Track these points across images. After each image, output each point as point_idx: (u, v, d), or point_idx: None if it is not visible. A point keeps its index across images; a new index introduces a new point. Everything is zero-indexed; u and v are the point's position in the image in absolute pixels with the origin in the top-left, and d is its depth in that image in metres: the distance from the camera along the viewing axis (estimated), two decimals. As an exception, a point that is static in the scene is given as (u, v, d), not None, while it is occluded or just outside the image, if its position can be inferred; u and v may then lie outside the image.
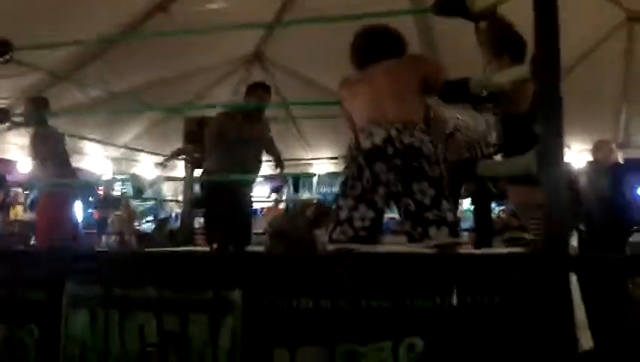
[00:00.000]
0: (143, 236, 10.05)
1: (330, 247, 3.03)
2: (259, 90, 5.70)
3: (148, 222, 14.13)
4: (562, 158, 2.24)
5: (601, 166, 6.62)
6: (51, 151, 5.67)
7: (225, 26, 6.05)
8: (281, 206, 13.77)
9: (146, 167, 9.96)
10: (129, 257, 3.11)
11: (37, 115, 5.58)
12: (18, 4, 5.50)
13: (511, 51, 3.42)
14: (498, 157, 3.80)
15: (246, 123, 5.55)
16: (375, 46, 3.31)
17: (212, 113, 7.08)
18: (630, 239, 6.91)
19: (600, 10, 6.79)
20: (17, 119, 5.80)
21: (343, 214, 2.99)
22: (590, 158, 7.01)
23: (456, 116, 5.18)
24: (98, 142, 8.81)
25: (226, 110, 6.13)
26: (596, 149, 6.72)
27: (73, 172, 6.38)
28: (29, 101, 5.89)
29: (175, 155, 7.17)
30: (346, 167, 3.07)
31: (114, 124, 7.45)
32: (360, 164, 2.97)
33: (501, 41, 3.44)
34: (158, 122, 9.08)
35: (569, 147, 8.45)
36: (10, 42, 4.07)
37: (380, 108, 3.04)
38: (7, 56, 4.10)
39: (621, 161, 8.16)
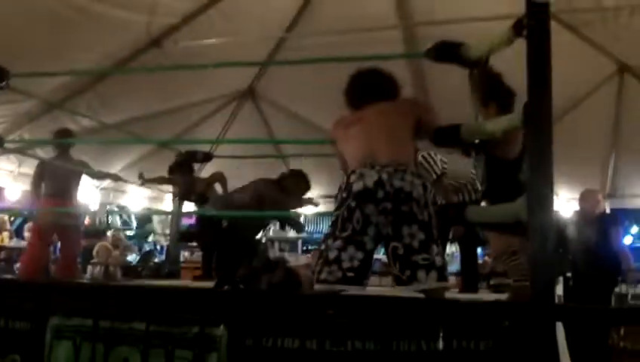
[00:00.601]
0: (128, 268, 9.96)
1: (318, 288, 3.02)
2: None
3: (133, 253, 14.05)
4: (552, 206, 2.26)
5: (587, 215, 6.66)
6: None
7: (217, 64, 6.09)
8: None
9: (134, 198, 9.94)
10: (115, 290, 3.08)
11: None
12: (15, 33, 5.52)
13: (499, 101, 3.48)
14: (483, 203, 3.84)
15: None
16: (369, 88, 3.35)
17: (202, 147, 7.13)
18: (616, 289, 6.94)
19: (592, 60, 6.90)
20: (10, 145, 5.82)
21: (332, 255, 2.98)
22: (577, 207, 7.05)
23: (441, 159, 5.24)
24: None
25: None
26: (583, 199, 6.78)
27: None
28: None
29: (159, 181, 7.15)
30: (336, 209, 3.06)
31: (103, 155, 7.45)
32: (350, 205, 2.97)
33: (489, 90, 3.51)
34: (148, 155, 9.07)
35: (557, 195, 8.50)
36: (6, 69, 4.08)
37: (373, 151, 3.05)
38: (3, 83, 4.10)
39: (608, 210, 8.24)
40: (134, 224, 14.29)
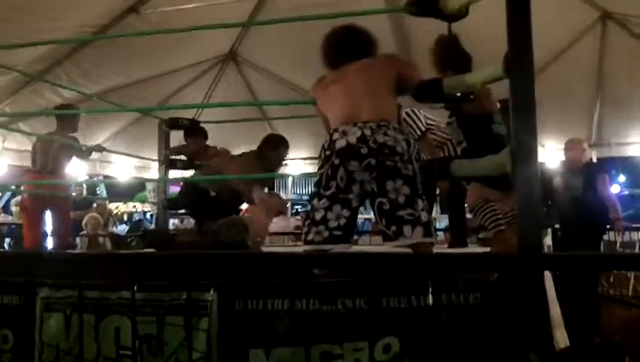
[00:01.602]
0: (117, 238, 9.95)
1: (306, 248, 3.02)
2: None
3: (123, 223, 14.05)
4: (536, 158, 2.24)
5: (573, 165, 6.68)
6: None
7: (197, 27, 6.02)
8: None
9: (120, 168, 9.88)
10: (102, 259, 3.07)
11: None
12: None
13: (454, 68, 3.48)
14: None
15: None
16: (345, 46, 3.32)
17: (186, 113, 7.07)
18: (605, 237, 6.99)
19: (574, 9, 6.85)
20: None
21: (318, 215, 2.99)
22: (563, 158, 7.06)
23: (425, 115, 5.23)
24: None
25: None
26: (568, 148, 6.78)
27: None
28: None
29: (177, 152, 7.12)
30: (320, 167, 3.05)
31: (87, 126, 7.37)
32: (334, 163, 2.96)
33: (444, 57, 3.52)
34: (131, 123, 9.01)
35: (543, 146, 8.53)
36: (-20, 43, 4.01)
37: (354, 108, 3.04)
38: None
39: (595, 159, 8.27)
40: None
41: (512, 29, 2.29)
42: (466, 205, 4.68)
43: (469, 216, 5.13)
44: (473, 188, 3.87)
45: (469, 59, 3.56)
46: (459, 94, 3.11)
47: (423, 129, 5.15)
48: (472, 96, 3.14)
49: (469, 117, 3.56)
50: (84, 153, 6.92)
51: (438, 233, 6.78)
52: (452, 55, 3.55)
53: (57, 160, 6.51)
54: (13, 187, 9.16)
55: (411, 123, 5.15)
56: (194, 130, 6.66)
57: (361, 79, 3.13)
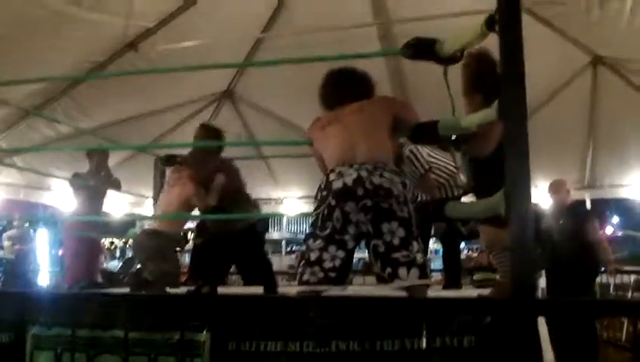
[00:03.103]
0: (109, 274, 9.88)
1: (301, 289, 3.01)
2: None
3: (115, 259, 13.97)
4: (529, 200, 2.26)
5: (560, 206, 6.72)
6: None
7: (194, 66, 6.07)
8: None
9: (115, 203, 9.86)
10: (94, 298, 3.06)
11: None
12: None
13: (484, 92, 3.46)
14: (468, 198, 3.84)
15: None
16: (344, 88, 3.35)
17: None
18: (598, 280, 6.98)
19: (566, 52, 6.94)
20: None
21: (314, 255, 2.98)
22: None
23: (429, 153, 5.24)
24: (65, 178, 8.73)
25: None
26: (553, 191, 6.85)
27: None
28: None
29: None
30: (316, 208, 3.05)
31: (81, 161, 7.37)
32: (330, 204, 2.97)
33: (476, 80, 3.49)
34: (126, 159, 9.01)
35: (536, 186, 8.55)
36: (-22, 78, 4.02)
37: (351, 149, 3.05)
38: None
39: (588, 201, 8.31)
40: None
41: (506, 74, 2.32)
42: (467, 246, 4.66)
43: (463, 256, 5.13)
44: (487, 229, 3.83)
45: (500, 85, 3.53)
46: (454, 137, 3.13)
47: (426, 167, 5.17)
48: (466, 138, 3.16)
49: (474, 157, 3.55)
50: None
51: (433, 273, 6.78)
52: (487, 79, 3.50)
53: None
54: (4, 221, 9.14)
55: (414, 161, 5.17)
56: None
57: (357, 121, 3.16)
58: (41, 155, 8.08)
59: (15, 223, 7.65)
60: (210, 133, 5.33)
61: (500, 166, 3.50)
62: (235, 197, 5.26)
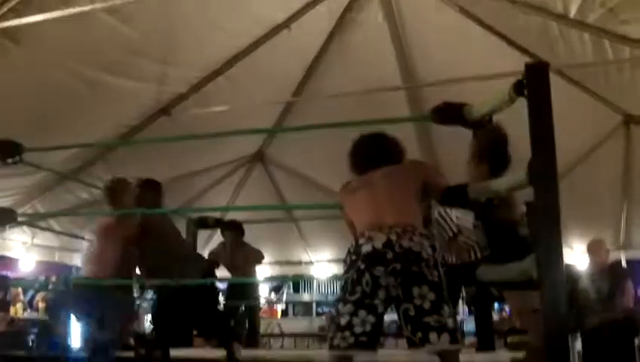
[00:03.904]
0: (141, 337, 9.84)
1: (331, 353, 2.98)
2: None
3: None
4: (562, 264, 2.24)
5: (599, 267, 6.61)
6: None
7: (225, 132, 6.17)
8: (278, 306, 13.66)
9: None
10: None
11: None
12: (28, 107, 5.62)
13: (491, 163, 3.48)
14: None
15: None
16: (373, 152, 3.37)
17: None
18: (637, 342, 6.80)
19: (598, 113, 6.96)
20: (21, 219, 5.84)
21: (343, 320, 2.96)
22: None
23: (457, 216, 5.23)
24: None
25: None
26: (591, 251, 6.73)
27: None
28: None
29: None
30: (345, 272, 3.05)
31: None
32: (360, 268, 2.96)
33: (486, 150, 3.52)
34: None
35: (571, 248, 8.45)
36: (20, 144, 4.11)
37: (380, 213, 3.05)
38: (17, 158, 4.13)
39: (624, 261, 8.16)
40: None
41: (535, 138, 2.33)
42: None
43: (496, 318, 5.06)
44: (514, 293, 3.79)
45: (508, 161, 3.55)
46: (483, 200, 3.13)
47: (455, 230, 5.16)
48: (495, 202, 3.16)
49: (494, 222, 3.56)
50: None
51: (467, 336, 6.66)
52: (496, 151, 3.54)
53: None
54: (37, 284, 9.18)
55: (443, 224, 5.18)
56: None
57: (387, 185, 3.17)
58: (75, 218, 8.21)
59: (50, 286, 7.70)
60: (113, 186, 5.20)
61: (517, 231, 3.51)
62: (169, 255, 5.03)
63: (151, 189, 5.32)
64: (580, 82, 6.53)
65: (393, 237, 2.94)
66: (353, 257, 3.01)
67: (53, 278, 6.78)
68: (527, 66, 2.42)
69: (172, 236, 5.32)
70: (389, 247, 2.92)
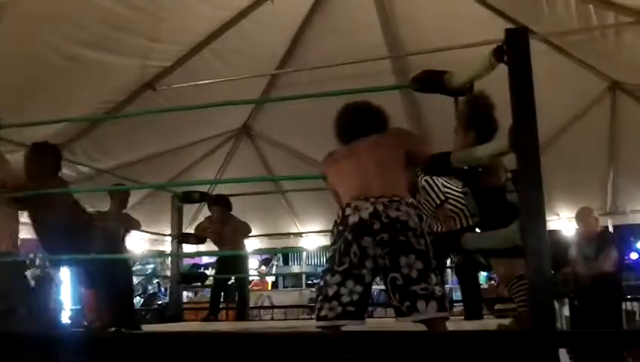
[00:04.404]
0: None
1: (319, 324, 2.99)
2: None
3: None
4: (545, 231, 2.25)
5: (587, 234, 6.64)
6: None
7: (211, 104, 6.12)
8: (269, 279, 13.71)
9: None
10: (117, 340, 3.06)
11: None
12: (9, 83, 5.54)
13: (479, 130, 3.48)
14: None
15: None
16: (358, 122, 3.35)
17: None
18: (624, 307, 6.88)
19: (583, 79, 6.95)
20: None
21: (331, 291, 2.96)
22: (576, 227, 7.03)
23: (444, 184, 5.24)
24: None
25: None
26: (579, 218, 6.76)
27: None
28: None
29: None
30: (332, 243, 3.05)
31: (100, 201, 7.44)
32: (347, 238, 2.96)
33: (472, 117, 3.52)
34: (146, 197, 9.07)
35: (558, 215, 8.50)
36: (-3, 120, 4.08)
37: (366, 183, 3.05)
38: (-6, 134, 4.09)
39: (610, 227, 8.22)
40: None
41: (516, 104, 2.33)
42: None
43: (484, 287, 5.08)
44: (501, 261, 3.81)
45: (495, 131, 3.56)
46: (466, 167, 3.13)
47: (442, 198, 5.17)
48: (480, 170, 3.16)
49: (481, 188, 3.56)
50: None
51: (455, 304, 6.71)
52: (483, 118, 3.54)
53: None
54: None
55: (430, 191, 5.19)
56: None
57: (372, 155, 3.16)
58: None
59: (37, 262, 7.67)
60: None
61: (504, 197, 3.51)
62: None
63: (38, 153, 5.01)
64: (565, 49, 6.52)
65: (380, 208, 2.94)
66: (340, 228, 3.01)
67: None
68: (507, 32, 2.41)
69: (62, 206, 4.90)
70: (375, 217, 2.92)
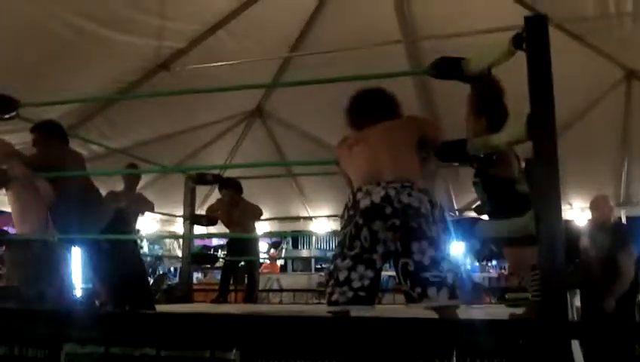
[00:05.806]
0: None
1: (330, 309, 3.00)
2: None
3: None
4: (560, 219, 2.24)
5: (601, 223, 6.57)
6: None
7: (224, 87, 6.11)
8: (278, 262, 13.74)
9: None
10: (127, 317, 3.08)
11: None
12: (24, 61, 5.56)
13: (489, 116, 3.46)
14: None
15: None
16: (370, 108, 3.34)
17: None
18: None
19: (599, 67, 6.88)
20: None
21: (342, 275, 2.96)
22: (590, 216, 6.96)
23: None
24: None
25: None
26: (594, 207, 6.67)
27: None
28: None
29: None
30: (343, 227, 3.04)
31: (112, 180, 7.47)
32: (358, 223, 2.96)
33: (483, 104, 3.50)
34: (158, 178, 9.09)
35: (570, 205, 8.46)
36: (15, 99, 4.09)
37: (378, 169, 3.04)
38: (13, 113, 4.11)
39: (624, 218, 8.15)
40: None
41: (534, 92, 2.31)
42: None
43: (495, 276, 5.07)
44: (513, 251, 3.79)
45: (506, 117, 3.53)
46: (482, 155, 3.11)
47: None
48: (494, 157, 3.14)
49: (493, 178, 3.55)
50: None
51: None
52: (494, 104, 3.53)
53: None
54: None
55: None
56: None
57: (384, 140, 3.15)
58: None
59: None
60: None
61: (515, 187, 3.50)
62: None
63: (42, 132, 4.96)
64: (581, 36, 6.45)
65: (392, 193, 2.92)
66: (351, 212, 3.01)
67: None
68: (527, 19, 2.39)
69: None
70: (387, 202, 2.91)
